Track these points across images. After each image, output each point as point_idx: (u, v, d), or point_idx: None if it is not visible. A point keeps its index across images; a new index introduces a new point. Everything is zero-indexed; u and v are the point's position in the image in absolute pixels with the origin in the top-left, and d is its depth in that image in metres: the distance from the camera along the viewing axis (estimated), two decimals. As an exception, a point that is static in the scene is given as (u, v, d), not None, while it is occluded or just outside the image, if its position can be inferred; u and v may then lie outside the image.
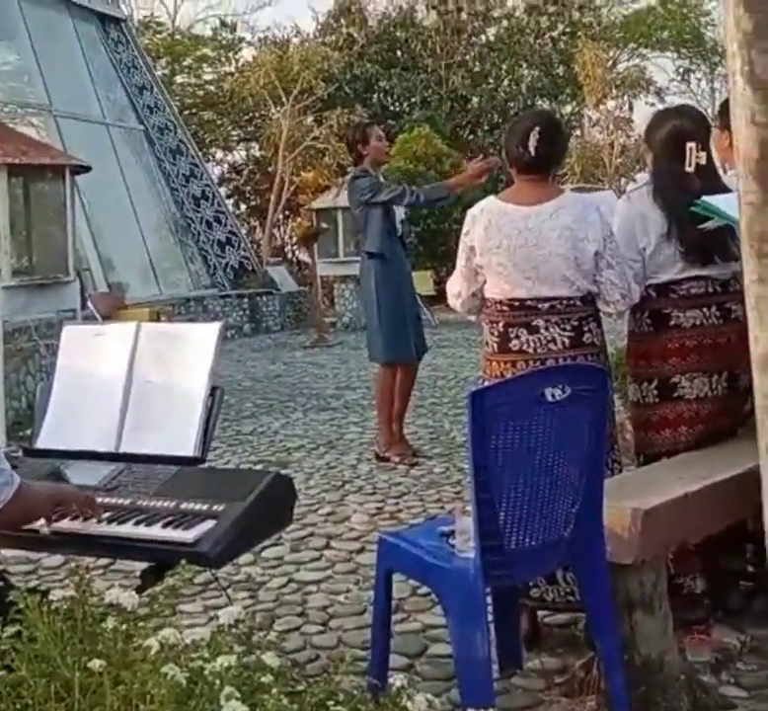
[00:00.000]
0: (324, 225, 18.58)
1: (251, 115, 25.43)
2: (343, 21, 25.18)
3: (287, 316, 18.14)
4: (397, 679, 1.70)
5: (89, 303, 12.72)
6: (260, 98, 22.23)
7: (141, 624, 1.74)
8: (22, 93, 16.04)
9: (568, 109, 26.70)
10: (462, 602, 2.56)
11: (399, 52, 25.28)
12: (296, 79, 21.11)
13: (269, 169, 23.54)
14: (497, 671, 3.00)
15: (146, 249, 17.37)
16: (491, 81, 25.29)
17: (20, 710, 1.56)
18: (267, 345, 15.33)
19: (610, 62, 25.06)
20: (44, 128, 15.71)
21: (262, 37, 25.65)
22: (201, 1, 41.49)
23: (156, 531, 2.53)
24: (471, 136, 24.69)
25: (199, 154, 19.95)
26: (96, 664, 1.56)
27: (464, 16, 25.15)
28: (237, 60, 27.11)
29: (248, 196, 27.24)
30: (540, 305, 3.32)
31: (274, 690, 1.54)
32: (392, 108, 25.34)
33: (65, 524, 2.55)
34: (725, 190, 3.23)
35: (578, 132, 26.35)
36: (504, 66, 25.28)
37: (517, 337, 3.33)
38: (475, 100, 25.20)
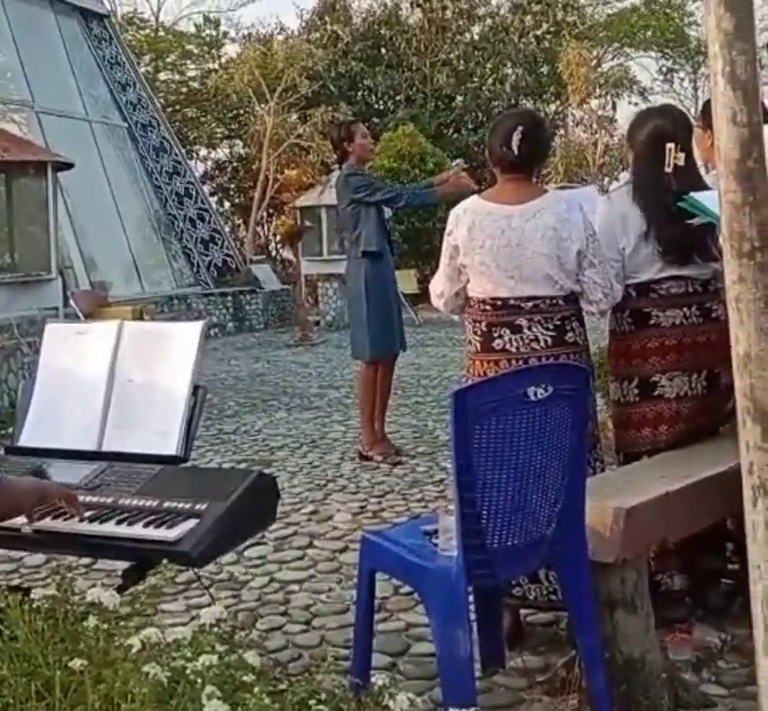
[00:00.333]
0: (308, 223, 18.56)
1: (235, 112, 25.38)
2: (327, 18, 25.15)
3: (271, 314, 18.11)
4: (379, 678, 1.71)
5: (71, 301, 12.68)
6: (244, 95, 22.18)
7: (123, 623, 1.74)
8: (4, 89, 15.96)
9: (551, 108, 26.77)
10: (444, 601, 2.57)
11: (383, 50, 25.27)
12: (280, 76, 21.08)
13: (254, 166, 23.49)
14: (479, 670, 3.00)
15: (129, 246, 17.32)
16: (475, 80, 25.31)
17: (1, 709, 1.56)
18: (250, 343, 15.30)
19: (594, 62, 25.10)
20: (27, 125, 15.65)
21: (246, 33, 25.66)
22: (185, -3, 41.36)
23: (138, 530, 2.53)
24: (455, 135, 24.71)
25: (183, 151, 19.90)
26: (77, 663, 1.56)
27: (449, 14, 25.17)
28: (221, 57, 27.08)
29: (232, 193, 27.19)
30: (523, 304, 3.33)
31: (256, 689, 1.54)
32: (376, 106, 25.34)
33: (47, 523, 2.55)
34: (704, 190, 3.24)
35: (562, 132, 26.42)
36: (489, 65, 25.31)
37: (500, 336, 3.34)
38: (459, 98, 25.23)
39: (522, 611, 3.47)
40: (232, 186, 27.03)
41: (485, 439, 2.50)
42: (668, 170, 3.40)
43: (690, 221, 3.25)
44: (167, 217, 18.97)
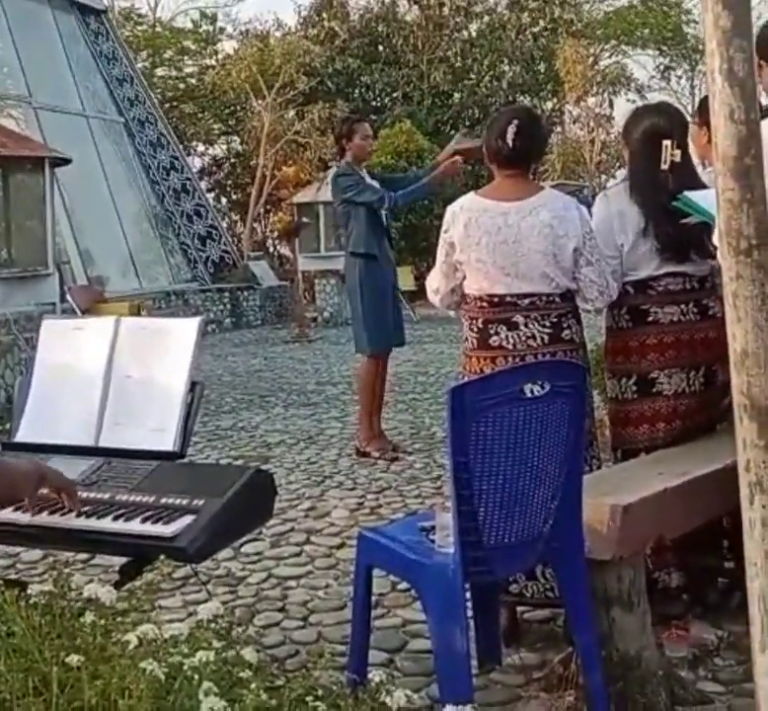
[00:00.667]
0: (305, 220, 18.56)
1: (232, 108, 25.38)
2: (324, 14, 25.15)
3: (268, 311, 18.11)
4: (376, 675, 1.71)
5: (68, 296, 12.68)
6: (241, 91, 22.19)
7: (120, 619, 1.73)
8: (1, 85, 15.96)
9: (548, 105, 26.79)
10: (441, 598, 2.57)
11: (381, 47, 25.28)
12: (278, 73, 21.09)
13: (251, 163, 23.49)
14: (476, 667, 3.00)
15: (126, 242, 17.32)
16: (472, 77, 25.30)
17: (-3, 705, 1.56)
18: (247, 339, 15.30)
19: (591, 59, 25.12)
20: (24, 120, 15.64)
21: (243, 29, 25.64)
22: (182, -7, 41.25)
23: (135, 526, 2.53)
24: (452, 132, 24.67)
25: (180, 147, 19.89)
26: (74, 658, 1.55)
27: (446, 11, 25.17)
28: (218, 53, 27.06)
29: (229, 189, 27.19)
30: (519, 301, 3.33)
31: (253, 685, 1.54)
32: (374, 103, 25.34)
33: (44, 518, 2.54)
34: (700, 187, 3.25)
35: (559, 129, 26.44)
36: (486, 62, 25.29)
37: (497, 333, 3.34)
38: (456, 95, 25.23)
39: (519, 608, 3.47)
40: (229, 182, 27.03)
41: (481, 436, 2.50)
42: (665, 167, 3.40)
43: (686, 220, 3.25)
44: (164, 213, 18.96)
